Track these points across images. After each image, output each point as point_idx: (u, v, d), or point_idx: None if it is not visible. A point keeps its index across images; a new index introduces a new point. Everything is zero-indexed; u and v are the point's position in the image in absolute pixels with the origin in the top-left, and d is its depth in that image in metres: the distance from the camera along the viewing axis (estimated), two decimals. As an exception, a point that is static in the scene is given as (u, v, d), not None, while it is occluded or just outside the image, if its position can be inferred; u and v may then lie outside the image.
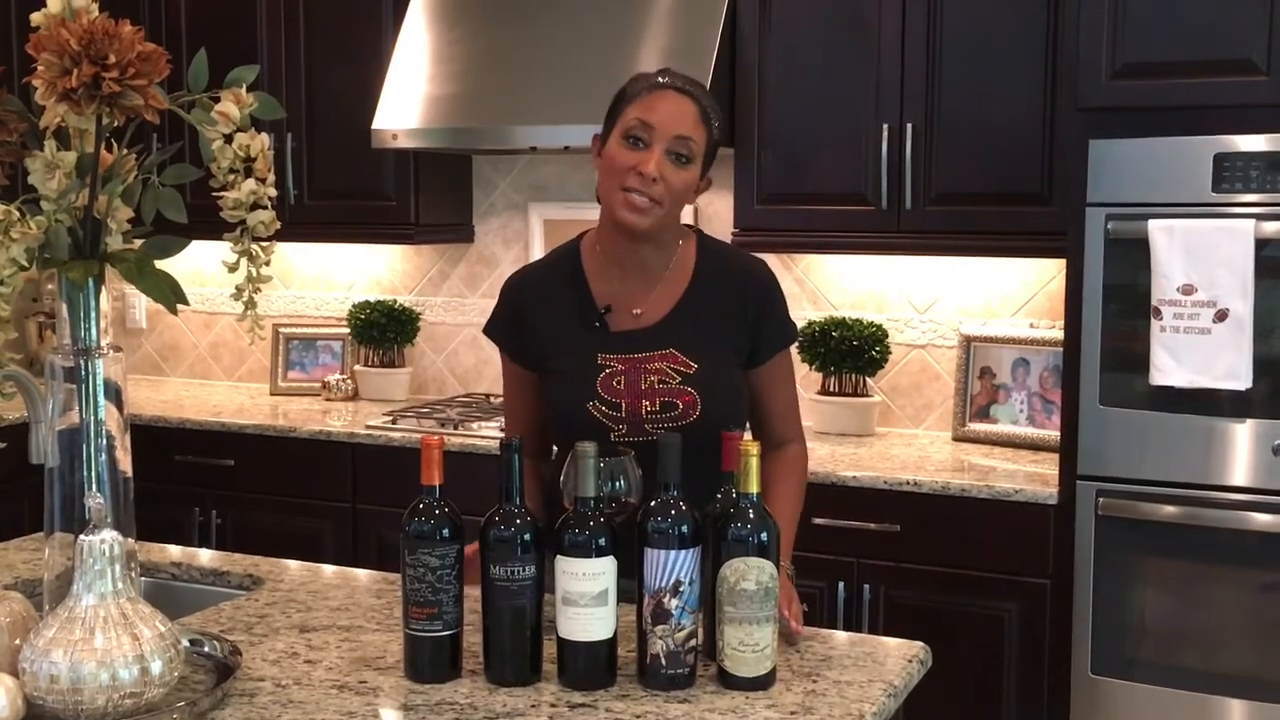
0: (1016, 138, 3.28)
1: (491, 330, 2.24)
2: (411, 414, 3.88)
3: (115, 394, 1.71)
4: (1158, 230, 2.84)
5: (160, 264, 1.68)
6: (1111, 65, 2.91)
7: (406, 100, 3.76)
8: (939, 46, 3.34)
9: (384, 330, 4.25)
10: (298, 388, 4.44)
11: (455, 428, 3.72)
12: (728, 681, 1.72)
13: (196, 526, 3.96)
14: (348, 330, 4.35)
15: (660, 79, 2.07)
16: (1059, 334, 3.25)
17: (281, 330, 4.48)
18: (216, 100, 1.65)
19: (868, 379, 3.70)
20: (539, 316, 2.16)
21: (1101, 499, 2.97)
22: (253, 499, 3.91)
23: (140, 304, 4.86)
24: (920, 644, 1.93)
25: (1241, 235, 2.77)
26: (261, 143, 1.67)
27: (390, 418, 3.86)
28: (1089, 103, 2.94)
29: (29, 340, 4.58)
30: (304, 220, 4.07)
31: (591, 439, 1.75)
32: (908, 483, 3.17)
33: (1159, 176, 2.87)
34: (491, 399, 4.11)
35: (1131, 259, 2.90)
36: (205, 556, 2.42)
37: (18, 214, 1.59)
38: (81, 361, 1.68)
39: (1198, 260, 2.80)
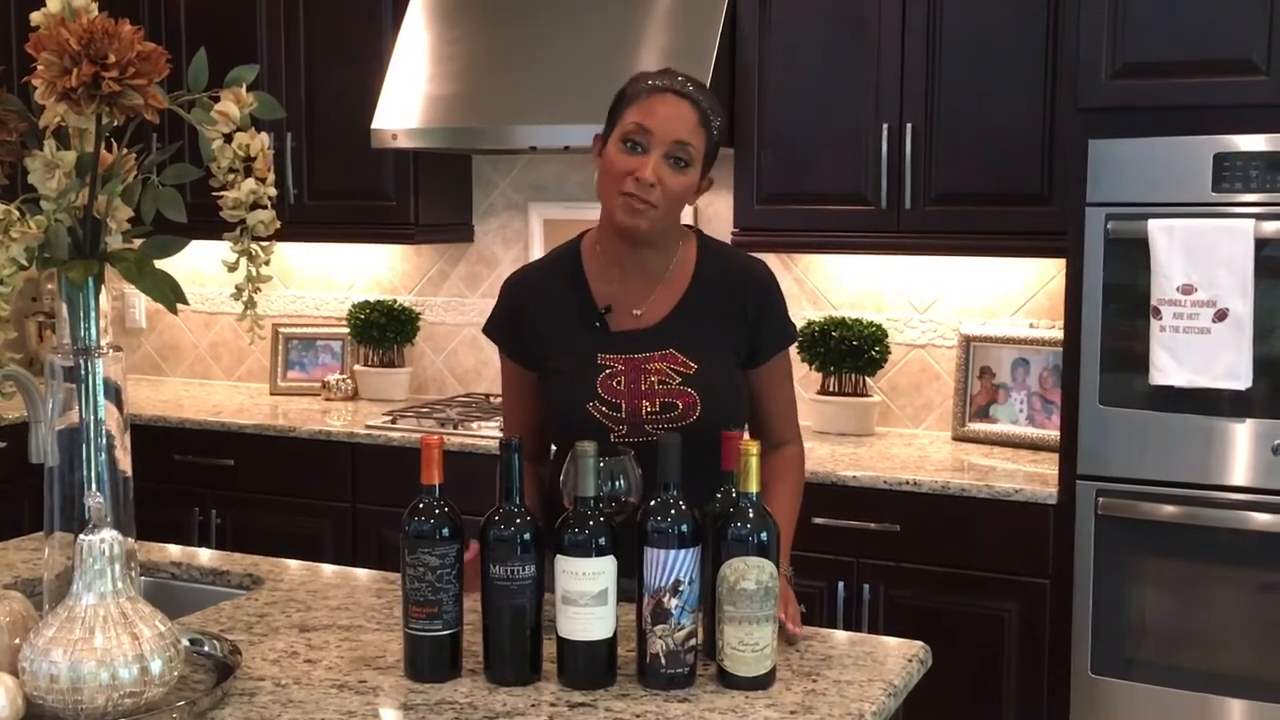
0: (1016, 137, 3.28)
1: (491, 330, 2.24)
2: (411, 414, 3.88)
3: (115, 393, 1.71)
4: (1157, 230, 2.84)
5: (160, 263, 1.68)
6: (1111, 65, 2.91)
7: (406, 100, 3.76)
8: (939, 46, 3.34)
9: (384, 330, 4.25)
10: (297, 387, 4.44)
11: (455, 427, 3.72)
12: (727, 681, 1.72)
13: (196, 526, 3.96)
14: (347, 330, 4.35)
15: (660, 81, 2.05)
16: (1059, 334, 3.25)
17: (281, 330, 4.48)
18: (216, 100, 1.65)
19: (867, 379, 3.70)
20: (539, 316, 2.16)
21: (1101, 499, 2.97)
22: (252, 499, 3.91)
23: (140, 303, 4.86)
24: (920, 644, 1.93)
25: (1241, 235, 2.77)
26: (261, 142, 1.67)
27: (390, 417, 3.86)
28: (1089, 102, 2.94)
29: (29, 340, 4.58)
30: (304, 220, 4.07)
31: (591, 439, 1.75)
32: (907, 482, 3.17)
33: (1159, 176, 2.87)
34: (491, 399, 4.10)
35: (1131, 259, 2.90)
36: (205, 556, 2.42)
37: (17, 213, 1.59)
38: (81, 361, 1.68)
39: (1197, 260, 2.80)
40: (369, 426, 3.81)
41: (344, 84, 4.03)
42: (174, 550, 2.43)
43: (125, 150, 1.68)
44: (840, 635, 1.99)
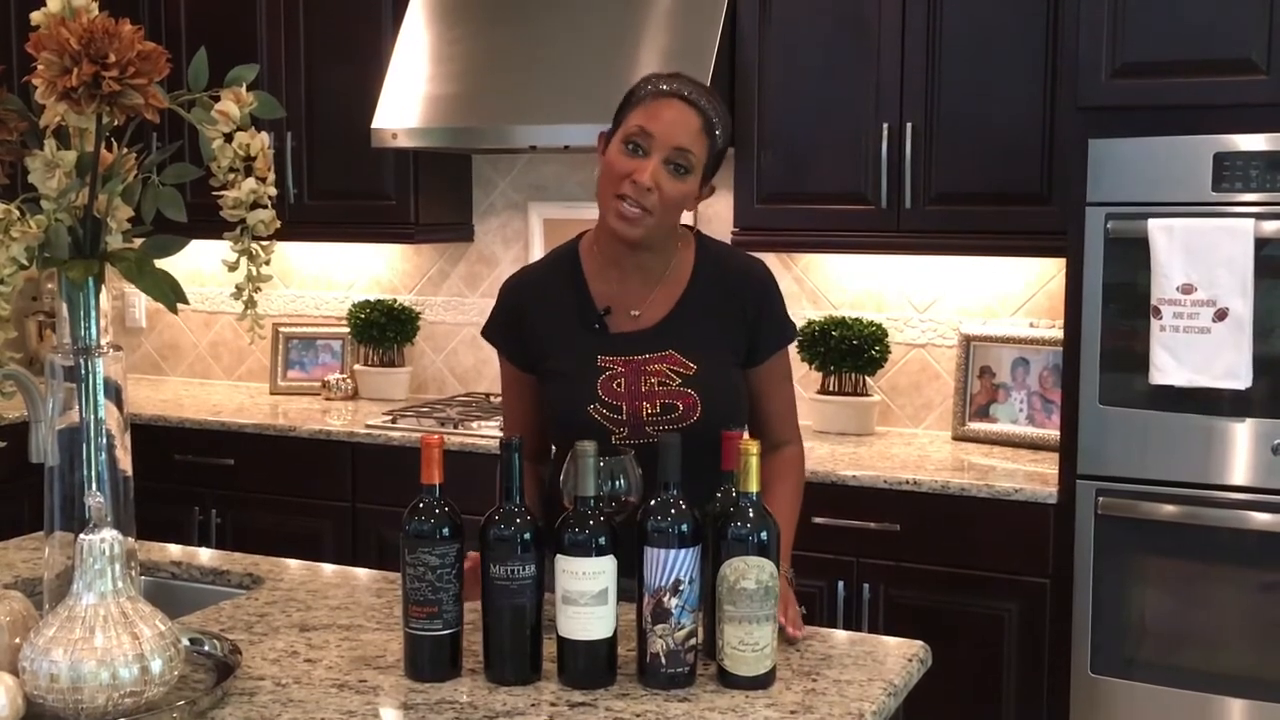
0: (1016, 137, 3.28)
1: (490, 332, 2.23)
2: (411, 413, 3.88)
3: (115, 393, 1.71)
4: (1157, 229, 2.84)
5: (160, 263, 1.68)
6: (1111, 65, 2.91)
7: (406, 99, 3.76)
8: (939, 46, 3.34)
9: (384, 330, 4.25)
10: (297, 387, 4.45)
11: (455, 427, 3.72)
12: (727, 680, 1.72)
13: (196, 526, 3.96)
14: (347, 329, 4.35)
15: (667, 85, 2.04)
16: (1059, 333, 3.25)
17: (281, 329, 4.48)
18: (216, 99, 1.65)
19: (867, 378, 3.70)
20: (538, 318, 2.16)
21: (1101, 498, 2.97)
22: (252, 498, 3.92)
23: (140, 303, 4.86)
24: (920, 643, 1.93)
25: (1241, 234, 2.77)
26: (261, 142, 1.67)
27: (390, 417, 3.86)
28: (1089, 102, 2.94)
29: (29, 339, 4.58)
30: (304, 219, 4.07)
31: (592, 440, 1.75)
32: (907, 482, 3.17)
33: (1159, 176, 2.87)
34: (491, 398, 4.11)
35: (1131, 258, 2.90)
36: (205, 555, 2.42)
37: (18, 213, 1.59)
38: (81, 360, 1.68)
39: (1197, 259, 2.80)
40: (369, 426, 3.81)
41: (344, 83, 4.03)
42: (174, 550, 2.43)
43: (125, 150, 1.68)
44: (840, 635, 1.99)
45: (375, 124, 3.78)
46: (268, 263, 1.71)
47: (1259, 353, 2.80)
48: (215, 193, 1.67)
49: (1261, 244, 2.78)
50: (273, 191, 1.69)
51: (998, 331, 3.62)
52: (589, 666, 1.72)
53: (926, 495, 3.15)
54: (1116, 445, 2.95)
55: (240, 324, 1.71)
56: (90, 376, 1.68)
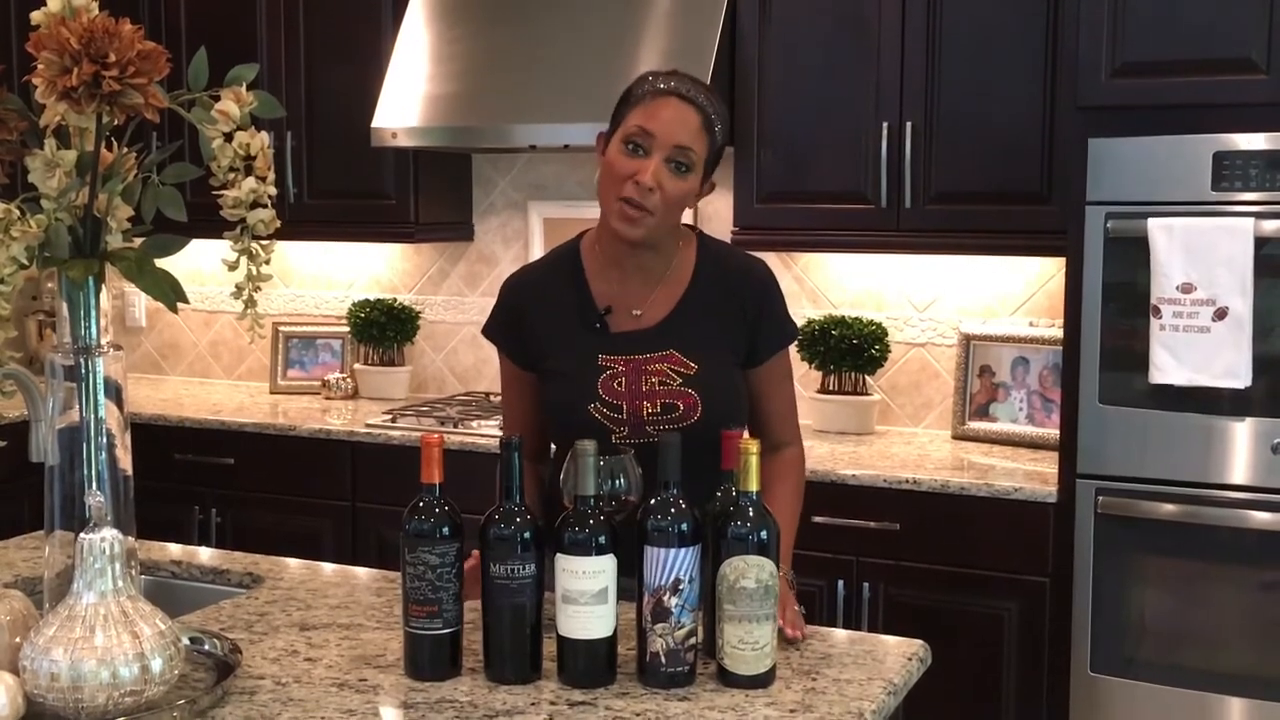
0: (1016, 136, 3.28)
1: (490, 331, 2.23)
2: (411, 412, 3.89)
3: (115, 392, 1.71)
4: (1157, 229, 2.84)
5: (160, 262, 1.68)
6: (1111, 64, 2.91)
7: (406, 99, 3.76)
8: (939, 45, 3.34)
9: (384, 329, 4.25)
10: (297, 386, 4.45)
11: (455, 426, 3.72)
12: (727, 679, 1.72)
13: (196, 525, 3.96)
14: (347, 329, 4.35)
15: (665, 84, 2.04)
16: (1058, 332, 3.25)
17: (281, 329, 4.49)
18: (216, 99, 1.65)
19: (867, 377, 3.70)
20: (538, 317, 2.16)
21: (1101, 497, 2.97)
22: (252, 497, 3.92)
23: (140, 302, 4.86)
24: (920, 642, 1.93)
25: (1241, 234, 2.78)
26: (261, 141, 1.67)
27: (390, 416, 3.86)
28: (1088, 101, 2.95)
29: (29, 339, 4.58)
30: (304, 219, 4.07)
31: (592, 439, 1.75)
32: (907, 481, 3.17)
33: (1158, 175, 2.87)
34: (491, 397, 4.11)
35: (1131, 257, 2.90)
36: (205, 555, 2.42)
37: (18, 212, 1.59)
38: (81, 360, 1.68)
39: (1197, 259, 2.80)
40: (369, 425, 3.81)
41: (344, 83, 4.03)
42: (174, 549, 2.43)
43: (125, 149, 1.68)
44: (840, 634, 1.99)
45: (375, 123, 3.78)
46: (268, 262, 1.71)
47: (1258, 352, 2.80)
48: (215, 192, 1.67)
49: (1261, 243, 2.78)
50: (273, 191, 1.69)
51: (997, 331, 3.62)
52: (589, 666, 1.72)
53: (926, 494, 3.15)
54: (1116, 444, 2.95)
55: (240, 323, 1.71)
56: (90, 376, 1.68)
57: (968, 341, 3.64)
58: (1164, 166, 2.86)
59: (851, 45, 3.43)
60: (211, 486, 3.96)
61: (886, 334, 3.66)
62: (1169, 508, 2.92)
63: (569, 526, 1.70)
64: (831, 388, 3.70)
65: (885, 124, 3.40)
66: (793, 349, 2.27)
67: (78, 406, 1.68)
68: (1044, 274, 3.61)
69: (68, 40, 1.51)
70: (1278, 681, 2.86)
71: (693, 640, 1.72)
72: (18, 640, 1.63)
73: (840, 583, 3.23)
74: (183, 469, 3.98)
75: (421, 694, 1.70)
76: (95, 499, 1.59)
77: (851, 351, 3.62)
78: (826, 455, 3.37)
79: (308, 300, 4.59)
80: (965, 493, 3.12)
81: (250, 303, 1.70)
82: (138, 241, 1.70)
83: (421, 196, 4.06)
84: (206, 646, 1.82)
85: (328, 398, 4.30)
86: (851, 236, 3.52)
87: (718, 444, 1.80)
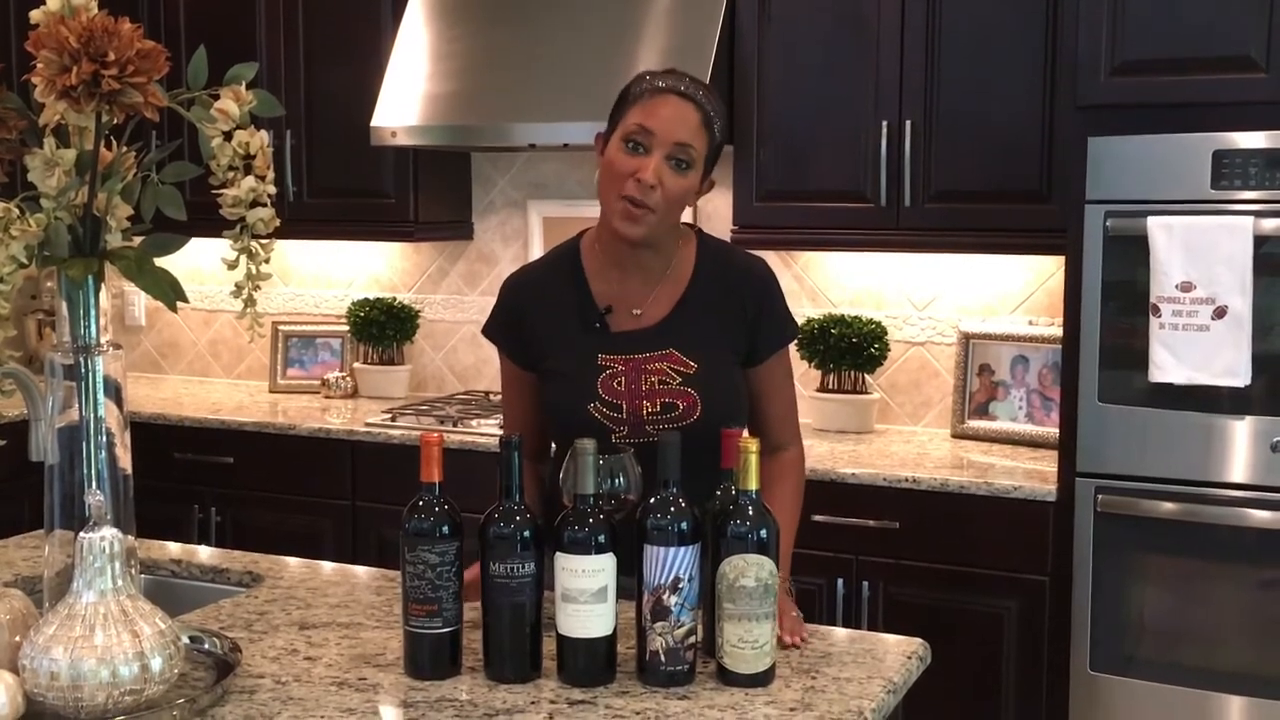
0: (1015, 135, 3.28)
1: (490, 331, 2.23)
2: (411, 411, 3.89)
3: (115, 391, 1.71)
4: (1157, 227, 2.84)
5: (160, 261, 1.68)
6: (1110, 62, 2.91)
7: (405, 98, 3.76)
8: (938, 44, 3.34)
9: (383, 328, 4.25)
10: (297, 385, 4.45)
11: (455, 425, 3.72)
12: (727, 678, 1.72)
13: (196, 524, 3.96)
14: (347, 328, 4.35)
15: (663, 82, 2.04)
16: (1058, 331, 3.25)
17: (281, 328, 4.49)
18: (216, 98, 1.65)
19: (867, 376, 3.70)
20: (538, 317, 2.16)
21: (1100, 496, 2.97)
22: (252, 496, 3.92)
23: (139, 301, 4.86)
24: (919, 641, 1.93)
25: (1240, 232, 2.78)
26: (261, 140, 1.67)
27: (389, 415, 3.86)
28: (1088, 100, 2.95)
29: (28, 338, 4.57)
30: (303, 218, 4.07)
31: (592, 439, 1.75)
32: (907, 480, 3.17)
33: (1158, 174, 2.87)
34: (491, 396, 4.11)
35: (1130, 256, 2.90)
36: (205, 554, 2.42)
37: (17, 211, 1.59)
38: (81, 359, 1.68)
39: (1197, 257, 2.80)
40: (368, 424, 3.81)
41: (343, 82, 4.03)
42: (174, 548, 2.43)
43: (125, 148, 1.68)
44: (839, 632, 1.99)
45: (374, 122, 3.78)
46: (267, 261, 1.71)
47: (1258, 350, 2.80)
48: (215, 191, 1.67)
49: (1260, 241, 2.78)
50: (272, 190, 1.69)
51: (997, 329, 3.62)
52: (588, 664, 1.72)
53: (926, 493, 3.15)
54: (1116, 443, 2.96)
55: (240, 322, 1.71)
56: (90, 375, 1.68)
57: (967, 340, 3.64)
58: (1163, 165, 2.86)
59: (851, 44, 3.43)
60: (211, 485, 3.96)
61: (886, 333, 3.66)
62: (1168, 506, 2.92)
63: (568, 525, 1.70)
64: (831, 386, 3.70)
65: (885, 122, 3.40)
66: (792, 348, 2.27)
67: (77, 405, 1.68)
68: (1043, 272, 3.61)
69: (67, 39, 1.51)
70: (1277, 680, 2.86)
71: (692, 639, 1.72)
72: (17, 639, 1.63)
73: (840, 581, 3.23)
74: (182, 468, 3.98)
75: (421, 693, 1.70)
76: (95, 498, 1.59)
77: (851, 350, 3.62)
78: (826, 454, 3.37)
79: (307, 299, 4.59)
80: (965, 491, 3.12)
81: (250, 301, 1.70)
82: (137, 240, 1.70)
83: (421, 195, 4.06)
84: (206, 645, 1.82)
85: (327, 397, 4.30)
86: (851, 235, 3.52)
87: (717, 443, 1.80)
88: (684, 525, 1.69)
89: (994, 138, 3.30)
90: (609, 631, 1.72)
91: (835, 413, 3.67)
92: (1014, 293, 3.67)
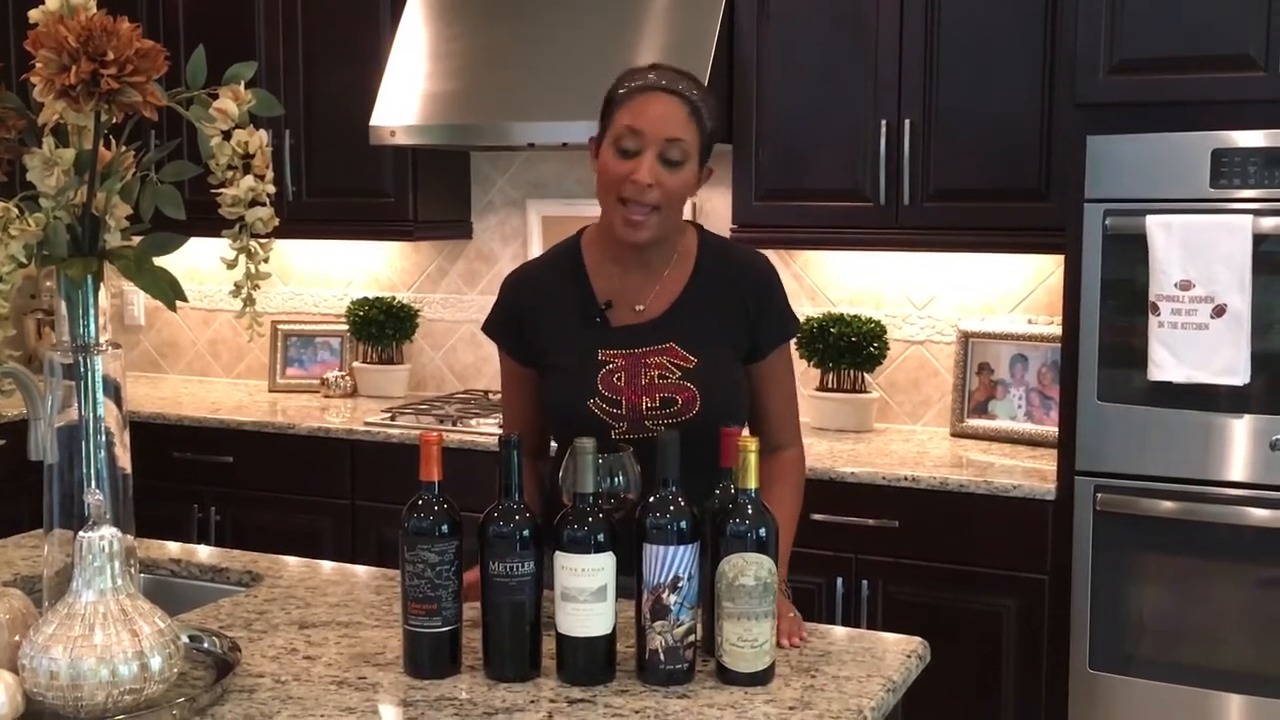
0: (1014, 134, 3.28)
1: (490, 328, 2.23)
2: (410, 411, 3.89)
3: (114, 391, 1.71)
4: (1156, 226, 2.84)
5: (159, 261, 1.68)
6: (1109, 61, 2.91)
7: (404, 97, 3.76)
8: (937, 43, 3.34)
9: (382, 327, 4.25)
10: (296, 384, 4.45)
11: (454, 424, 3.72)
12: (726, 677, 1.72)
13: (195, 523, 3.96)
14: (346, 327, 4.35)
15: (645, 80, 2.04)
16: (1057, 330, 3.25)
17: (280, 327, 4.48)
18: (215, 97, 1.65)
19: (866, 375, 3.70)
20: (539, 313, 2.16)
21: (1100, 494, 2.97)
22: (251, 496, 3.92)
23: (139, 301, 4.86)
24: (919, 639, 1.94)
25: (1239, 231, 2.78)
26: (260, 139, 1.67)
27: (389, 414, 3.86)
28: (1087, 99, 2.95)
29: (27, 337, 4.57)
30: (302, 217, 4.07)
31: (592, 436, 1.75)
32: (906, 479, 3.17)
33: (1157, 172, 2.87)
34: (490, 395, 4.11)
35: (1129, 255, 2.90)
36: (204, 553, 2.42)
37: (16, 211, 1.59)
38: (80, 358, 1.68)
39: (1196, 256, 2.80)
40: (368, 423, 3.81)
41: (342, 81, 4.03)
42: (173, 547, 2.43)
43: (124, 147, 1.68)
44: (839, 631, 1.99)
45: (373, 121, 3.78)
46: (266, 260, 1.71)
47: (1257, 349, 2.80)
48: (214, 190, 1.67)
49: (1259, 240, 2.78)
50: (271, 189, 1.69)
51: (996, 328, 3.62)
52: (588, 663, 1.72)
53: (925, 492, 3.15)
54: (1115, 441, 2.96)
55: (239, 321, 1.71)
56: (89, 374, 1.68)
57: (966, 339, 3.64)
58: (1162, 164, 2.86)
59: (850, 43, 3.43)
60: (210, 485, 3.96)
61: (885, 331, 3.66)
62: (1168, 505, 2.92)
63: (568, 524, 1.70)
64: (830, 385, 3.70)
65: (884, 121, 3.40)
66: (791, 346, 2.27)
67: (76, 405, 1.68)
68: (1042, 271, 3.61)
69: (66, 38, 1.51)
70: (1276, 678, 2.86)
71: (692, 638, 1.72)
72: (17, 639, 1.63)
73: (839, 580, 3.23)
74: (182, 467, 3.98)
75: (421, 692, 1.70)
76: (94, 497, 1.59)
77: (850, 349, 3.62)
78: (825, 453, 3.37)
79: (306, 298, 4.59)
80: (964, 490, 3.12)
81: (249, 301, 1.70)
82: (136, 240, 1.70)
83: (420, 194, 4.06)
84: (206, 645, 1.82)
85: (326, 396, 4.30)
86: (850, 234, 3.52)
87: (717, 439, 1.80)
88: (683, 524, 1.69)
89: (993, 136, 3.30)
90: (608, 630, 1.72)
91: (834, 412, 3.67)
92: (1013, 291, 3.67)
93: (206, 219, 1.69)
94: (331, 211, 4.12)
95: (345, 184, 4.09)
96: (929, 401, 3.77)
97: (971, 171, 3.34)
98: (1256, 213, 2.78)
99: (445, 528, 1.72)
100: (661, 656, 1.71)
